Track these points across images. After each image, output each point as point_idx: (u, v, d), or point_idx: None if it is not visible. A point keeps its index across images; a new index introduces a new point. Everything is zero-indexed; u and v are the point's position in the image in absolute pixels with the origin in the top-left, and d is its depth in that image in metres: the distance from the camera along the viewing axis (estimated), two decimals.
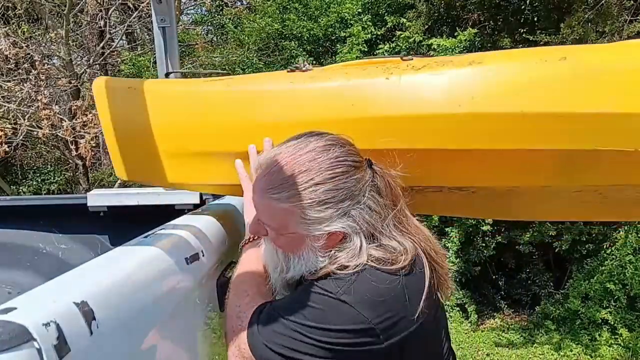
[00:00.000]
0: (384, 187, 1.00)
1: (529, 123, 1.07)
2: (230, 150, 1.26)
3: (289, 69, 1.30)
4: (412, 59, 1.22)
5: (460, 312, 4.89)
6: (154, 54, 2.65)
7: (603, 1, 4.02)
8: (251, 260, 1.18)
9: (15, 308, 0.68)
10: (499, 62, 1.14)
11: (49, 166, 8.41)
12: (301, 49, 5.52)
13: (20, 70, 5.27)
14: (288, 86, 1.25)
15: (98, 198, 1.84)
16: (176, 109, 1.30)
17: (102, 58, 6.18)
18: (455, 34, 4.49)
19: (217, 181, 1.37)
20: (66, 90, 5.67)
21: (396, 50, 4.91)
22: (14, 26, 5.52)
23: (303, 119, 1.20)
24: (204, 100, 1.30)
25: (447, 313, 4.81)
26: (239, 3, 7.89)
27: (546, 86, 1.07)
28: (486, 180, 1.23)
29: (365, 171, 0.99)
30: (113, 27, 6.42)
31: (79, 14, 6.01)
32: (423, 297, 0.95)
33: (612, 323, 4.28)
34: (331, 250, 0.98)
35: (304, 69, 1.28)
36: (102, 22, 5.82)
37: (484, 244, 4.75)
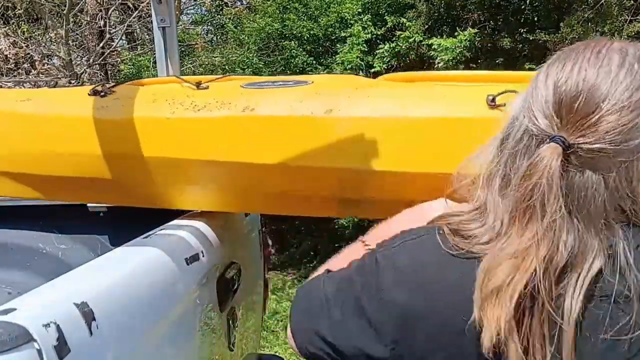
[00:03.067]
0: None
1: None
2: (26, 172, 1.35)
3: (89, 92, 1.33)
4: (208, 87, 1.30)
5: None
6: (154, 54, 2.65)
7: (603, 1, 4.02)
8: None
9: (16, 309, 0.68)
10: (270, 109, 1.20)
11: None
12: (301, 49, 5.52)
13: (20, 70, 5.27)
14: (77, 112, 1.30)
15: None
16: None
17: (101, 58, 6.18)
18: (456, 33, 4.49)
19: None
20: None
21: (396, 50, 4.91)
22: (13, 26, 5.53)
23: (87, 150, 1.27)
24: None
25: None
26: (239, 3, 7.89)
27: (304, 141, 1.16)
28: None
29: None
30: (113, 27, 6.42)
31: (78, 13, 6.01)
32: None
33: None
34: None
35: (102, 93, 1.31)
36: (102, 22, 5.82)
37: None
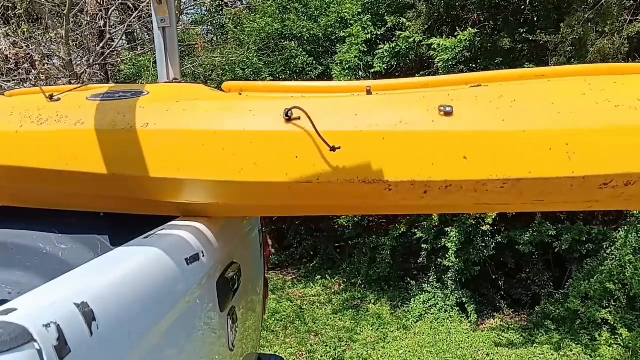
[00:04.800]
0: None
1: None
2: None
3: None
4: (59, 100, 1.46)
5: (460, 312, 4.89)
6: (154, 54, 2.65)
7: (603, 1, 4.02)
8: None
9: (16, 309, 0.68)
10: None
11: None
12: (301, 49, 5.52)
13: (20, 70, 5.27)
14: None
15: None
16: None
17: (102, 58, 6.17)
18: (455, 34, 4.48)
19: None
20: None
21: (396, 50, 4.91)
22: (14, 26, 5.52)
23: None
24: None
25: (446, 313, 4.84)
26: (239, 3, 7.89)
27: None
28: None
29: None
30: (113, 27, 6.42)
31: (79, 14, 6.01)
32: None
33: (612, 323, 4.28)
34: None
35: None
36: (102, 22, 5.82)
37: (483, 244, 4.75)
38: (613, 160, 1.23)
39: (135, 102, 1.37)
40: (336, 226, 5.59)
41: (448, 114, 1.24)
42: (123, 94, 1.42)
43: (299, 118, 1.23)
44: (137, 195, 1.40)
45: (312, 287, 5.67)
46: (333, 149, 1.21)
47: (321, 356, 4.35)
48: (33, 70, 5.03)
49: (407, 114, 1.26)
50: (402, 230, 5.02)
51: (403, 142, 1.24)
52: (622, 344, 4.23)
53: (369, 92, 1.39)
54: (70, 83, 5.47)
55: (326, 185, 1.26)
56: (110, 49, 6.36)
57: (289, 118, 1.23)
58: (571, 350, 4.27)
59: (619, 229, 4.36)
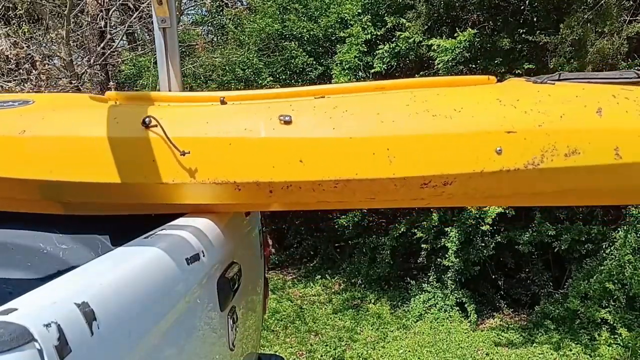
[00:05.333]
0: None
1: None
2: None
3: None
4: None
5: (460, 311, 4.89)
6: (155, 54, 2.65)
7: (602, 1, 4.02)
8: None
9: (16, 309, 0.68)
10: None
11: None
12: (301, 49, 5.52)
13: (21, 71, 5.27)
14: None
15: None
16: None
17: (102, 58, 6.18)
18: (455, 34, 4.49)
19: None
20: (67, 90, 5.67)
21: (396, 50, 4.91)
22: (14, 27, 5.53)
23: None
24: None
25: (446, 313, 4.85)
26: (239, 3, 7.89)
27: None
28: None
29: None
30: (114, 27, 6.42)
31: (79, 14, 6.01)
32: None
33: (612, 323, 4.28)
34: None
35: None
36: (102, 23, 5.82)
37: (483, 244, 4.75)
38: (430, 163, 1.40)
39: (18, 110, 1.52)
40: (336, 226, 5.60)
41: (287, 122, 1.41)
42: (11, 104, 1.57)
43: (156, 125, 1.38)
44: (21, 196, 1.55)
45: (312, 287, 5.68)
46: (183, 153, 1.36)
47: (321, 356, 4.35)
48: (34, 71, 5.04)
49: (252, 122, 1.42)
50: (402, 230, 5.02)
51: (247, 147, 1.40)
52: (621, 344, 4.23)
53: (222, 102, 1.54)
54: (71, 83, 5.48)
55: (181, 186, 1.41)
56: (111, 50, 6.37)
57: (146, 125, 1.38)
58: (570, 350, 4.28)
59: (618, 229, 4.36)
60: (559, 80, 1.58)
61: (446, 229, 4.79)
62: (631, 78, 1.55)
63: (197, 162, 1.39)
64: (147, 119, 1.38)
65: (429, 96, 1.48)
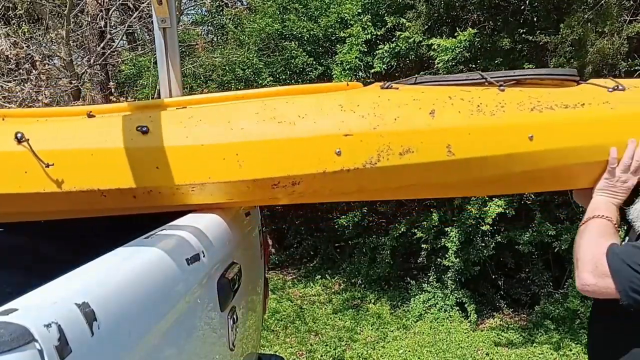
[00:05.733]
0: None
1: None
2: None
3: None
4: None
5: (460, 311, 4.90)
6: (155, 54, 2.65)
7: (602, 1, 4.02)
8: (599, 226, 1.52)
9: (17, 309, 0.68)
10: None
11: None
12: (301, 49, 5.52)
13: (21, 71, 5.28)
14: None
15: None
16: None
17: (102, 58, 6.18)
18: (455, 34, 4.48)
19: None
20: (67, 90, 5.68)
21: (396, 50, 4.91)
22: (14, 26, 5.53)
23: None
24: None
25: (446, 313, 4.85)
26: (239, 3, 7.89)
27: None
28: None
29: None
30: (113, 27, 6.43)
31: (79, 14, 6.02)
32: None
33: None
34: None
35: None
36: (102, 23, 5.82)
37: (483, 244, 4.75)
38: (276, 166, 1.52)
39: None
40: (336, 226, 5.60)
41: (144, 132, 1.52)
42: None
43: (27, 140, 1.49)
44: None
45: (312, 287, 5.68)
46: (47, 165, 1.48)
47: (321, 356, 4.35)
48: (34, 71, 5.04)
49: (112, 134, 1.53)
50: (402, 230, 5.02)
51: (108, 157, 1.51)
52: None
53: (90, 116, 1.65)
54: (71, 83, 5.48)
55: (54, 194, 1.52)
56: (111, 49, 6.37)
57: (18, 140, 1.49)
58: (570, 350, 4.28)
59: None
60: (415, 84, 1.73)
61: (446, 229, 4.79)
62: (476, 79, 1.69)
63: (64, 173, 1.51)
64: (18, 134, 1.49)
65: (278, 104, 1.59)
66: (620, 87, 1.61)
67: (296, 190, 1.58)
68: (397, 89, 1.67)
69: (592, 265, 1.38)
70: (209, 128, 1.55)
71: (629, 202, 1.55)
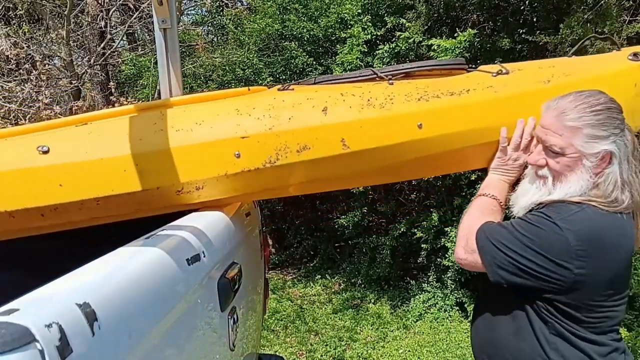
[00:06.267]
0: (630, 139, 1.39)
1: None
2: None
3: None
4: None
5: (460, 311, 4.90)
6: (155, 54, 2.65)
7: (602, 1, 4.02)
8: (482, 204, 1.57)
9: (18, 309, 0.69)
10: None
11: None
12: (301, 50, 5.52)
13: (21, 71, 5.28)
14: None
15: None
16: None
17: (103, 58, 6.19)
18: (455, 34, 4.49)
19: None
20: (67, 90, 5.68)
21: (396, 50, 4.91)
22: (14, 27, 5.53)
23: None
24: None
25: (446, 312, 4.85)
26: (239, 4, 7.89)
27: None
28: None
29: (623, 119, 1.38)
30: (114, 27, 6.43)
31: (79, 14, 6.02)
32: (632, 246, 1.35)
33: None
34: (597, 174, 1.34)
35: None
36: (102, 23, 5.83)
37: None
38: (176, 173, 1.54)
39: None
40: (336, 226, 5.60)
41: (45, 152, 1.54)
42: None
43: None
44: None
45: (312, 287, 5.68)
46: None
47: (321, 355, 4.35)
48: (34, 71, 5.04)
49: (14, 155, 1.55)
50: (402, 230, 5.02)
51: (12, 178, 1.53)
52: None
53: None
54: (71, 83, 5.48)
55: None
56: (111, 50, 6.38)
57: None
58: None
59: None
60: (314, 84, 1.78)
61: (446, 228, 4.79)
62: (368, 75, 1.76)
63: None
64: None
65: (175, 113, 1.63)
66: (504, 71, 1.68)
67: (202, 195, 1.62)
68: (294, 90, 1.73)
69: (464, 241, 1.45)
70: (108, 142, 1.57)
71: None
